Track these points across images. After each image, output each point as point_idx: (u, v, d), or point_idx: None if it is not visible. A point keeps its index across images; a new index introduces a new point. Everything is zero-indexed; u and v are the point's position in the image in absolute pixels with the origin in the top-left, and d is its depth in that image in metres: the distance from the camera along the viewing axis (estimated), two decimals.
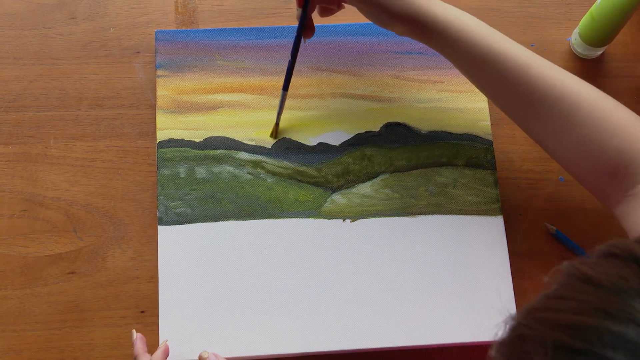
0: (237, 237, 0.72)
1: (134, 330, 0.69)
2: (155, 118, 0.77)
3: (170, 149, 0.75)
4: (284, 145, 0.76)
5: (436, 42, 0.67)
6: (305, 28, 0.72)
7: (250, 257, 0.72)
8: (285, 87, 0.74)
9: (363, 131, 0.77)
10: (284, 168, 0.75)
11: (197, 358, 0.68)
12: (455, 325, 0.71)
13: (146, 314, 0.72)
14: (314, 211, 0.74)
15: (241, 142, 0.76)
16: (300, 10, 0.71)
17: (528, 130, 0.68)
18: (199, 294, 0.70)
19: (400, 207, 0.74)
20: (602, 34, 0.78)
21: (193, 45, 0.78)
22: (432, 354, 0.70)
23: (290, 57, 0.73)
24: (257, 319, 0.70)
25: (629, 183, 0.62)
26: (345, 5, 0.73)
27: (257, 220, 0.73)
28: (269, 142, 0.76)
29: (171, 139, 0.75)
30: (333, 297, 0.71)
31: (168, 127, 0.76)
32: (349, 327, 0.70)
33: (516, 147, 0.79)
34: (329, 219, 0.74)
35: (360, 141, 0.76)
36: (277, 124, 0.75)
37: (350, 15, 0.82)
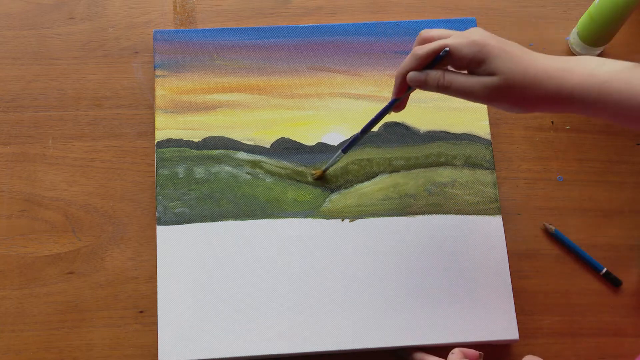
0: (235, 237, 0.72)
1: None
2: (153, 118, 0.77)
3: (168, 149, 0.75)
4: (283, 145, 0.76)
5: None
6: (399, 103, 0.68)
7: (249, 257, 0.72)
8: (345, 150, 0.72)
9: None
10: (282, 168, 0.75)
11: (197, 357, 0.68)
12: (454, 325, 0.71)
13: (145, 314, 0.72)
14: (313, 211, 0.74)
15: (240, 142, 0.76)
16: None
17: None
18: (197, 294, 0.70)
19: (399, 207, 0.74)
20: (601, 34, 0.78)
21: (191, 45, 0.78)
22: (431, 353, 0.70)
23: (367, 124, 0.70)
24: (256, 319, 0.70)
25: None
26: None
27: (256, 220, 0.73)
28: (267, 142, 0.76)
29: (170, 139, 0.75)
30: (332, 297, 0.71)
31: (167, 127, 0.76)
32: (347, 327, 0.70)
33: (515, 146, 0.79)
34: (327, 219, 0.74)
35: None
36: (323, 171, 0.75)
37: (349, 15, 0.83)
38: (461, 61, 0.61)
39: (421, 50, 0.62)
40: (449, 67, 0.62)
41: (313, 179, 0.75)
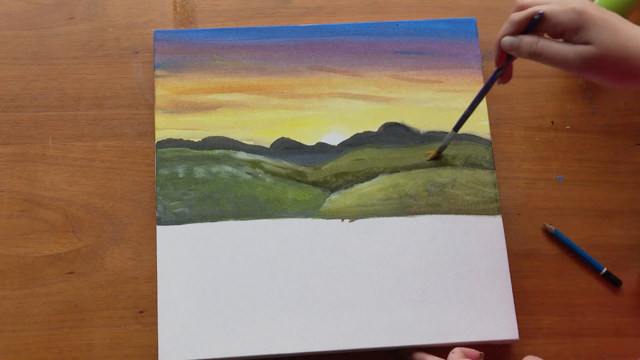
0: (235, 237, 0.72)
1: None
2: (153, 118, 0.77)
3: (168, 149, 0.75)
4: (283, 145, 0.76)
5: None
6: (505, 73, 0.67)
7: (249, 257, 0.72)
8: (456, 128, 0.73)
9: (362, 131, 0.77)
10: (282, 168, 0.75)
11: (197, 357, 0.68)
12: (454, 324, 0.71)
13: (145, 314, 0.72)
14: (313, 211, 0.74)
15: (240, 142, 0.76)
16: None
17: None
18: (197, 294, 0.70)
19: (399, 207, 0.74)
20: None
21: (191, 45, 0.78)
22: (431, 353, 0.70)
23: (474, 99, 0.70)
24: (256, 319, 0.70)
25: None
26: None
27: (256, 220, 0.73)
28: (267, 142, 0.76)
29: (170, 139, 0.75)
30: (332, 297, 0.71)
31: (167, 127, 0.76)
32: (347, 327, 0.70)
33: (515, 146, 0.79)
34: (327, 219, 0.74)
35: (358, 141, 0.76)
36: (438, 152, 0.75)
37: (348, 15, 0.83)
38: (557, 28, 0.59)
39: (516, 15, 0.61)
40: (546, 35, 0.61)
41: (428, 159, 0.75)
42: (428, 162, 0.76)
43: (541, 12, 0.60)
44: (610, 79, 0.60)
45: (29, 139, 0.76)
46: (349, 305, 0.71)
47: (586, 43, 0.58)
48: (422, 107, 0.78)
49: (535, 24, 0.61)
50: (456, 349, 0.66)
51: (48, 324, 0.71)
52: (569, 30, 0.59)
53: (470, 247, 0.73)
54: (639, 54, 0.58)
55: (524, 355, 0.68)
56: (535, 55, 0.61)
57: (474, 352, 0.66)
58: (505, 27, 0.62)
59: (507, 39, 0.62)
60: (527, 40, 0.61)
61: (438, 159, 0.76)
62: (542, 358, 0.66)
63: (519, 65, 0.82)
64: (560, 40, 0.61)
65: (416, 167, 0.76)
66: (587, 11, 0.59)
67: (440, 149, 0.75)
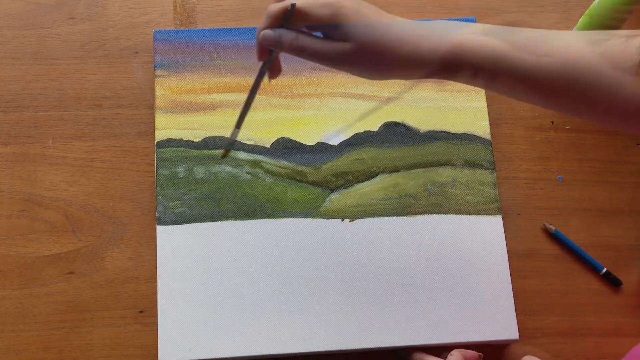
0: (235, 237, 0.72)
1: None
2: (153, 118, 0.77)
3: (168, 148, 0.75)
4: (283, 145, 0.76)
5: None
6: (272, 68, 0.64)
7: (249, 257, 0.72)
8: (238, 125, 0.68)
9: (362, 131, 0.77)
10: (282, 168, 0.75)
11: (197, 357, 0.68)
12: (454, 324, 0.71)
13: (145, 314, 0.72)
14: (313, 211, 0.74)
15: (240, 142, 0.76)
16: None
17: None
18: (198, 293, 0.70)
19: (399, 206, 0.74)
20: None
21: (191, 45, 0.78)
22: (431, 353, 0.70)
23: (248, 95, 0.66)
24: (256, 319, 0.70)
25: None
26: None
27: (256, 220, 0.73)
28: (267, 141, 0.76)
29: (170, 138, 0.75)
30: (332, 297, 0.71)
31: (167, 127, 0.76)
32: (347, 327, 0.70)
33: (515, 146, 0.79)
34: (327, 218, 0.74)
35: (358, 141, 0.76)
36: (227, 150, 0.73)
37: None
38: (314, 22, 0.58)
39: (273, 7, 0.59)
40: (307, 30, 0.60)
41: (221, 157, 0.74)
42: (428, 162, 0.76)
43: (294, 2, 0.57)
44: (371, 73, 0.59)
45: (29, 139, 0.76)
46: (349, 305, 0.71)
47: (343, 39, 0.57)
48: (422, 107, 0.78)
49: (290, 16, 0.58)
50: (454, 351, 0.66)
51: (48, 324, 0.71)
52: (327, 25, 0.58)
53: (470, 247, 0.73)
54: (391, 47, 0.57)
55: (524, 355, 0.68)
56: (295, 51, 0.60)
57: (473, 354, 0.66)
58: (263, 19, 0.60)
59: (266, 33, 0.59)
60: (287, 36, 0.59)
61: (225, 157, 0.74)
62: (539, 358, 0.66)
63: None
64: (320, 35, 0.60)
65: (416, 166, 0.76)
66: (342, 5, 0.57)
67: (228, 146, 0.73)
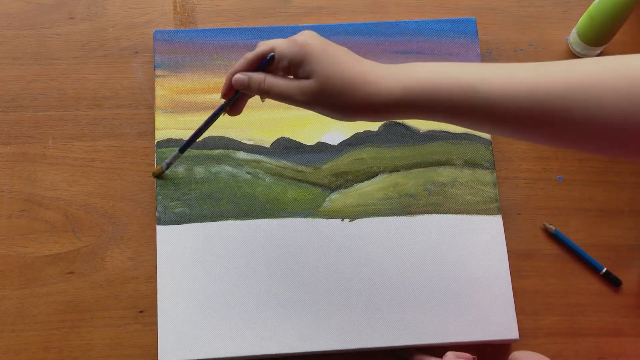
0: (235, 236, 0.72)
1: None
2: (153, 118, 0.77)
3: (168, 148, 0.75)
4: (283, 145, 0.76)
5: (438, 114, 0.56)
6: (233, 107, 0.65)
7: (248, 257, 0.72)
8: (182, 150, 0.71)
9: (361, 131, 0.77)
10: (282, 168, 0.75)
11: (197, 357, 0.68)
12: (454, 324, 0.71)
13: (145, 314, 0.72)
14: (313, 211, 0.74)
15: (240, 142, 0.76)
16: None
17: None
18: (197, 293, 0.70)
19: (399, 206, 0.74)
20: (601, 34, 0.78)
21: (191, 45, 0.78)
22: (430, 354, 0.70)
23: (199, 127, 0.68)
24: (256, 319, 0.70)
25: None
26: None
27: (256, 220, 0.73)
28: (267, 141, 0.76)
29: (170, 138, 0.75)
30: (332, 297, 0.71)
31: (167, 127, 0.76)
32: (347, 327, 0.70)
33: (515, 146, 0.79)
34: (327, 218, 0.74)
35: (358, 141, 0.76)
36: (163, 170, 0.73)
37: (348, 15, 0.83)
38: (284, 63, 0.58)
39: (250, 53, 0.61)
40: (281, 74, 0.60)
41: (153, 175, 0.74)
42: (428, 162, 0.76)
43: (272, 53, 0.59)
44: (334, 113, 0.58)
45: (29, 139, 0.76)
46: (348, 305, 0.71)
47: (307, 77, 0.57)
48: None
49: (266, 63, 0.60)
50: (449, 353, 0.65)
51: (48, 324, 0.71)
52: (294, 64, 0.58)
53: (470, 247, 0.73)
54: (354, 86, 0.56)
55: (523, 355, 0.68)
56: (263, 92, 0.60)
57: (467, 356, 0.66)
58: (238, 64, 0.61)
59: (238, 76, 0.61)
60: (255, 78, 0.60)
61: (161, 178, 0.74)
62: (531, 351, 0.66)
63: None
64: (290, 76, 0.59)
65: (416, 166, 0.76)
66: (308, 44, 0.57)
67: (165, 167, 0.73)
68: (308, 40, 0.58)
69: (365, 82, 0.56)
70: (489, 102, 0.53)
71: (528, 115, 0.53)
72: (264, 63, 0.60)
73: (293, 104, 0.59)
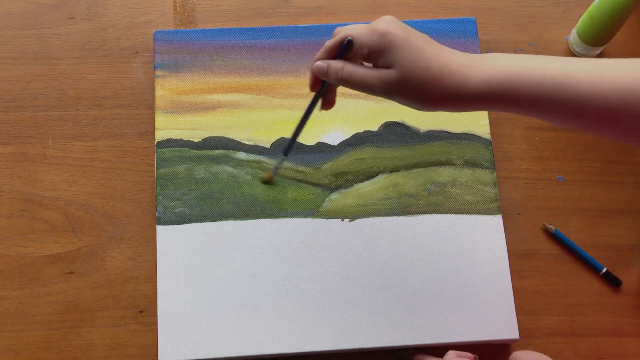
0: (235, 237, 0.72)
1: None
2: (153, 118, 0.77)
3: (168, 149, 0.75)
4: (283, 145, 0.76)
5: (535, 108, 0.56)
6: (325, 99, 0.65)
7: (248, 257, 0.72)
8: (285, 153, 0.72)
9: (361, 131, 0.77)
10: (282, 168, 0.75)
11: (197, 357, 0.68)
12: (454, 324, 0.71)
13: (145, 314, 0.72)
14: (313, 211, 0.74)
15: (240, 142, 0.76)
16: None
17: None
18: (197, 293, 0.70)
19: (399, 206, 0.74)
20: (601, 34, 0.78)
21: (191, 46, 0.78)
22: (431, 354, 0.70)
23: (297, 125, 0.68)
24: (256, 319, 0.70)
25: None
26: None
27: (256, 220, 0.73)
28: (267, 142, 0.76)
29: (170, 139, 0.75)
30: (332, 297, 0.71)
31: (167, 127, 0.76)
32: (347, 327, 0.70)
33: (515, 146, 0.79)
34: (327, 218, 0.74)
35: (358, 141, 0.76)
36: (272, 176, 0.74)
37: (349, 15, 0.83)
38: (364, 52, 0.57)
39: (329, 41, 0.60)
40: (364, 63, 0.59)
41: (261, 181, 0.74)
42: (428, 162, 0.76)
43: (349, 38, 0.58)
44: (418, 103, 0.57)
45: (29, 139, 0.76)
46: (349, 305, 0.71)
47: (388, 66, 0.56)
48: None
49: (344, 49, 0.59)
50: (450, 352, 0.65)
51: (48, 324, 0.71)
52: (374, 53, 0.57)
53: (470, 247, 0.73)
54: (439, 77, 0.55)
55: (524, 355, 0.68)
56: (342, 80, 0.59)
57: (468, 355, 0.66)
58: (319, 52, 0.61)
59: (317, 64, 0.60)
60: (334, 65, 0.59)
61: (270, 184, 0.74)
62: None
63: None
64: (369, 65, 0.59)
65: (416, 166, 0.76)
66: (390, 32, 0.56)
67: (273, 172, 0.74)
68: (389, 28, 0.56)
69: (450, 73, 0.55)
70: (576, 100, 0.53)
71: (615, 114, 0.53)
72: (343, 49, 0.59)
73: (372, 93, 0.58)
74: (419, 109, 0.58)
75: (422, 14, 0.83)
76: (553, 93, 0.54)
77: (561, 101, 0.54)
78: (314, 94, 0.64)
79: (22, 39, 0.80)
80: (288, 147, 0.71)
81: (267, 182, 0.74)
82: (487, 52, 0.81)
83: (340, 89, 0.78)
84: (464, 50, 0.79)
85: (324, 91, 0.63)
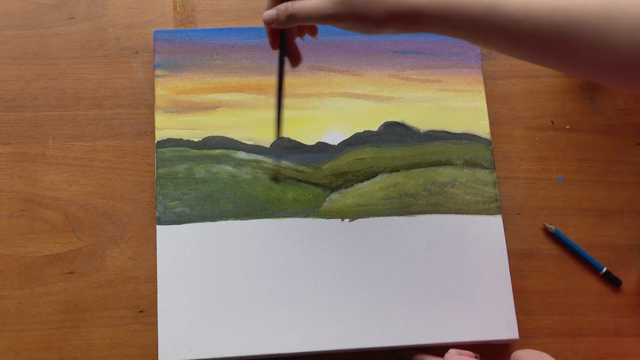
0: (235, 236, 0.72)
1: None
2: (153, 118, 0.77)
3: (168, 148, 0.75)
4: (283, 145, 0.76)
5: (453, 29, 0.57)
6: (290, 55, 0.66)
7: (249, 257, 0.72)
8: (278, 131, 0.72)
9: (361, 130, 0.77)
10: (282, 168, 0.75)
11: (197, 357, 0.68)
12: (454, 324, 0.71)
13: (145, 314, 0.72)
14: (313, 211, 0.74)
15: (240, 142, 0.76)
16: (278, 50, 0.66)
17: None
18: (197, 293, 0.70)
19: (399, 206, 0.74)
20: None
21: (191, 45, 0.78)
22: (431, 353, 0.70)
23: (277, 95, 0.68)
24: (256, 319, 0.70)
25: None
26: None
27: (256, 220, 0.73)
28: (267, 141, 0.76)
29: (170, 138, 0.75)
30: (332, 297, 0.71)
31: (167, 126, 0.76)
32: (347, 327, 0.70)
33: (515, 146, 0.79)
34: (327, 218, 0.74)
35: (358, 140, 0.76)
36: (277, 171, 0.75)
37: None
38: None
39: None
40: None
41: (271, 179, 0.74)
42: (428, 162, 0.76)
43: None
44: (363, 23, 0.58)
45: (29, 139, 0.76)
46: (348, 305, 0.71)
47: None
48: (422, 107, 0.78)
49: None
50: (451, 350, 0.65)
51: (48, 324, 0.71)
52: None
53: (470, 247, 0.73)
54: None
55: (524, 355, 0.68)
56: (293, 17, 0.60)
57: (470, 354, 0.66)
58: (266, 4, 0.62)
59: (266, 13, 0.62)
60: (282, 6, 0.60)
61: (278, 181, 0.74)
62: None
63: (519, 65, 0.82)
64: None
65: (416, 166, 0.76)
66: None
67: (275, 165, 0.74)
68: None
69: None
70: (508, 21, 0.54)
71: (544, 37, 0.54)
72: None
73: (323, 21, 0.59)
74: (367, 31, 0.59)
75: None
76: (484, 12, 0.55)
77: (492, 22, 0.55)
78: (277, 54, 0.65)
79: (22, 39, 0.80)
80: (277, 121, 0.70)
81: (275, 178, 0.74)
82: (487, 52, 0.81)
83: (341, 89, 0.78)
84: (464, 50, 0.80)
85: (285, 45, 0.64)
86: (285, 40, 0.64)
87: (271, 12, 0.62)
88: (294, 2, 0.60)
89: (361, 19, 0.58)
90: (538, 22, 0.53)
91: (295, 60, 0.67)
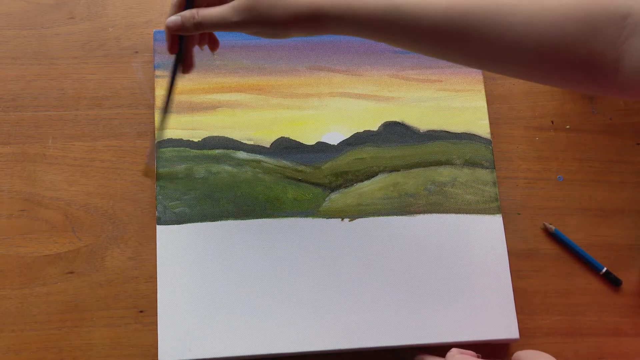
0: (235, 236, 0.72)
1: None
2: (153, 118, 0.77)
3: (168, 148, 0.75)
4: (283, 145, 0.76)
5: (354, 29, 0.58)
6: (184, 62, 0.67)
7: (248, 257, 0.72)
8: (161, 128, 0.72)
9: (361, 130, 0.77)
10: (282, 167, 0.75)
11: (197, 357, 0.68)
12: (454, 324, 0.71)
13: (145, 314, 0.72)
14: (313, 211, 0.74)
15: (240, 142, 0.76)
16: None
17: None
18: (197, 293, 0.70)
19: (399, 206, 0.74)
20: None
21: None
22: (431, 353, 0.70)
23: (166, 97, 0.69)
24: (256, 319, 0.70)
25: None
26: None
27: (256, 219, 0.73)
28: (267, 141, 0.76)
29: (170, 138, 0.75)
30: (331, 297, 0.71)
31: (167, 126, 0.76)
32: (347, 327, 0.70)
33: (515, 146, 0.79)
34: (327, 218, 0.74)
35: (358, 140, 0.76)
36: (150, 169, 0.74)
37: None
38: None
39: None
40: None
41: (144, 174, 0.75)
42: (428, 161, 0.76)
43: None
44: (267, 28, 0.59)
45: (29, 139, 0.76)
46: (348, 304, 0.71)
47: None
48: (422, 106, 0.78)
49: (191, 0, 0.61)
50: (453, 350, 0.66)
51: (48, 324, 0.71)
52: None
53: (470, 247, 0.73)
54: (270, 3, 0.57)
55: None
56: (199, 24, 0.61)
57: (471, 353, 0.66)
58: (169, 11, 0.63)
59: (170, 19, 0.62)
60: (187, 14, 0.61)
61: (150, 177, 0.75)
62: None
63: None
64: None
65: (416, 166, 0.76)
66: None
67: (149, 161, 0.74)
68: None
69: None
70: (408, 18, 0.55)
71: (444, 34, 0.55)
72: (190, 0, 0.61)
73: (229, 28, 0.60)
74: (274, 35, 0.60)
75: None
76: (385, 12, 0.56)
77: (394, 21, 0.56)
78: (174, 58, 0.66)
79: (22, 39, 0.80)
80: (163, 113, 0.70)
81: (148, 174, 0.74)
82: None
83: (341, 89, 0.78)
84: None
85: (182, 51, 0.64)
86: (183, 46, 0.65)
87: (176, 19, 0.62)
88: (199, 10, 0.61)
89: (266, 24, 0.59)
90: (435, 19, 0.54)
91: (188, 67, 0.67)
